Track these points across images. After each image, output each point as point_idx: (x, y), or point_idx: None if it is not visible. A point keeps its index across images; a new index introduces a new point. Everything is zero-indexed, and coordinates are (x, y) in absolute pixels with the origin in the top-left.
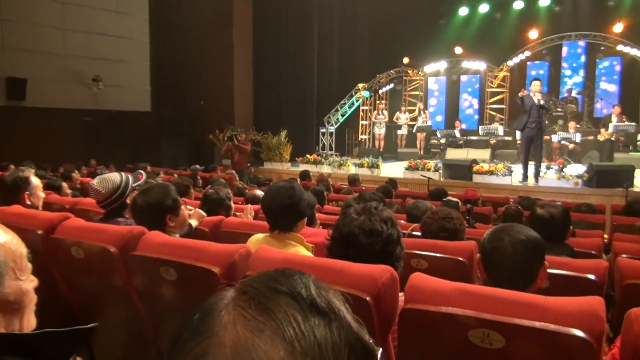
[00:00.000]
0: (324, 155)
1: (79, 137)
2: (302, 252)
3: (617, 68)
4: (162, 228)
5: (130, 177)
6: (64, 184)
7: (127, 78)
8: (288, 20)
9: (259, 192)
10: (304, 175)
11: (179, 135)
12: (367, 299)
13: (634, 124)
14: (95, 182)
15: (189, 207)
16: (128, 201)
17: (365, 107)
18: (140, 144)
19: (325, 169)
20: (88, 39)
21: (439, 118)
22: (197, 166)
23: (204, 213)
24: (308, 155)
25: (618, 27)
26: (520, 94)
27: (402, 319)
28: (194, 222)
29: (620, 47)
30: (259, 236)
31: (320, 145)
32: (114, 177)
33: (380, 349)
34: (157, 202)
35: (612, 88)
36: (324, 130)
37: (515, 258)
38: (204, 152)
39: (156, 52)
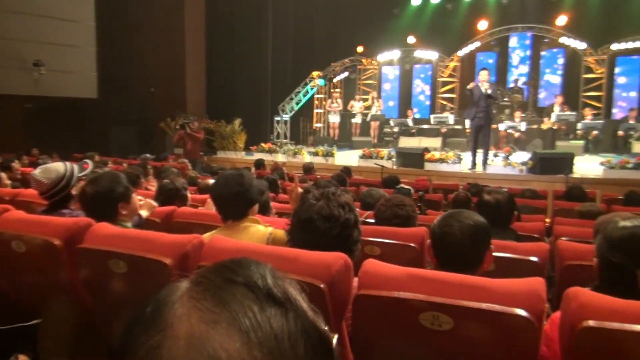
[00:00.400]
0: (278, 143)
1: (19, 125)
2: (263, 230)
3: (560, 60)
4: (114, 218)
5: (75, 166)
6: (3, 175)
7: (72, 63)
8: (242, 6)
9: (212, 182)
10: (259, 164)
11: (128, 123)
12: (322, 286)
13: (574, 113)
14: (37, 172)
15: (139, 197)
16: (74, 192)
17: (320, 96)
18: (87, 133)
19: (280, 158)
20: (29, 21)
21: (392, 106)
22: (148, 155)
23: (155, 203)
24: (263, 144)
25: (561, 20)
26: (469, 86)
27: (356, 305)
28: (144, 213)
29: (563, 40)
30: (212, 232)
31: (275, 133)
32: (57, 166)
33: (336, 336)
34: (107, 189)
35: (555, 79)
36: (278, 118)
37: (463, 243)
38: (154, 140)
39: (103, 36)
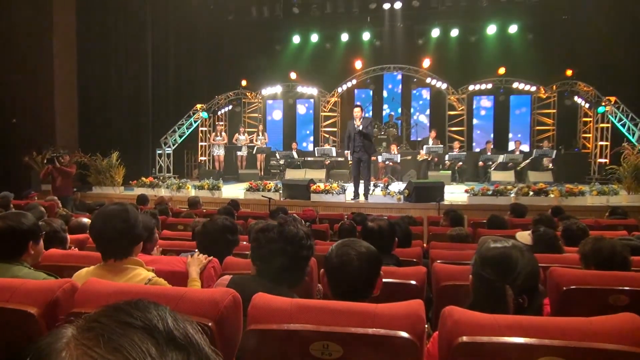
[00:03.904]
0: (161, 177)
1: None
2: (144, 274)
3: (427, 97)
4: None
5: None
6: None
7: None
8: (118, 35)
9: (86, 220)
10: (142, 199)
11: None
12: (210, 324)
13: (441, 146)
14: None
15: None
16: None
17: (204, 129)
18: None
19: (163, 192)
20: None
21: (278, 140)
22: (8, 193)
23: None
24: (144, 178)
25: (426, 63)
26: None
27: (246, 341)
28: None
29: (428, 80)
30: (86, 270)
31: (157, 167)
32: None
33: None
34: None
35: (424, 114)
36: (160, 151)
37: (361, 270)
38: (17, 176)
39: None
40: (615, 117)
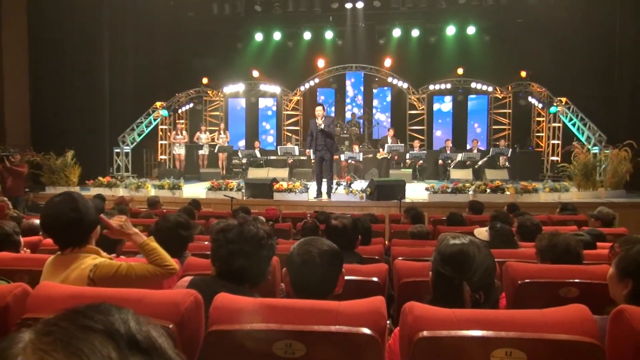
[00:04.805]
0: (119, 177)
1: None
2: (89, 262)
3: (388, 97)
4: None
5: None
6: None
7: None
8: (73, 29)
9: (38, 222)
10: (100, 199)
11: None
12: (170, 326)
13: (402, 144)
14: None
15: None
16: None
17: (164, 127)
18: None
19: (122, 192)
20: None
21: (240, 138)
22: None
23: None
24: (101, 178)
25: (387, 62)
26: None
27: (208, 343)
28: None
29: (390, 79)
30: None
31: (115, 166)
32: None
33: None
34: None
35: (385, 113)
36: (118, 150)
37: (323, 268)
38: None
39: None
40: (567, 117)
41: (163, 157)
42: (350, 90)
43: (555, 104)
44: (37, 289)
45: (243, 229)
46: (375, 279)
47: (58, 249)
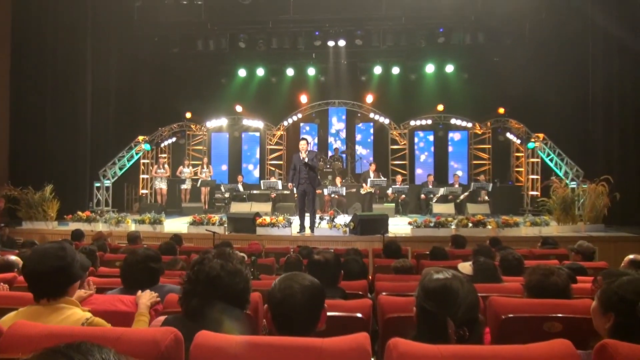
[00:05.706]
0: (99, 212)
1: None
2: (80, 314)
3: (371, 132)
4: None
5: None
6: None
7: None
8: (55, 62)
9: (14, 258)
10: (78, 235)
11: None
12: None
13: (384, 179)
14: None
15: None
16: None
17: (146, 161)
18: None
19: (101, 227)
20: None
21: (223, 172)
22: None
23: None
24: (80, 213)
25: (369, 98)
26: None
27: None
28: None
29: (372, 115)
30: (14, 313)
31: (95, 201)
32: None
33: None
34: None
35: (367, 148)
36: (99, 184)
37: (305, 304)
38: None
39: None
40: (544, 152)
41: (144, 191)
42: (333, 125)
43: (532, 140)
44: (12, 327)
45: (198, 268)
46: (359, 314)
47: (32, 298)
